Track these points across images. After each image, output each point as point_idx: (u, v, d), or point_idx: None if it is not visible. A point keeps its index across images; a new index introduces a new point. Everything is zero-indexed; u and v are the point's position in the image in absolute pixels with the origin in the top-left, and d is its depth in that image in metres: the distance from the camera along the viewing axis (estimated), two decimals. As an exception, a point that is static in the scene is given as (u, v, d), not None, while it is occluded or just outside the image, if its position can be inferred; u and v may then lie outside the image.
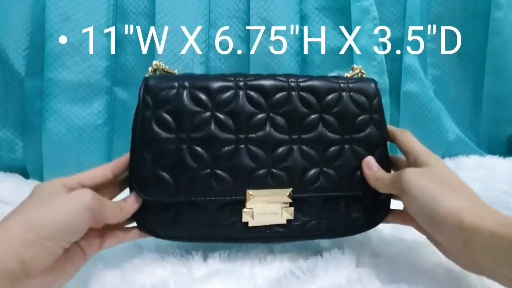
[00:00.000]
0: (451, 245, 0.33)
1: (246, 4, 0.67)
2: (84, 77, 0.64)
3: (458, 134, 0.71)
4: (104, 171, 0.38)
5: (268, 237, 0.40)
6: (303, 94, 0.42)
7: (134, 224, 0.40)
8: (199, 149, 0.39)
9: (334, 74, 0.45)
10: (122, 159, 0.40)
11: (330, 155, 0.42)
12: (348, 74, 0.46)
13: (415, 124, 0.69)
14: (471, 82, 0.73)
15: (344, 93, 0.42)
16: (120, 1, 0.67)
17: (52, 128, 0.63)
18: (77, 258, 0.34)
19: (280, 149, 0.40)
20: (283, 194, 0.40)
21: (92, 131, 0.64)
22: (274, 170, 0.40)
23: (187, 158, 0.39)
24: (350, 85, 0.43)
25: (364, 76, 0.46)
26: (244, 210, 0.39)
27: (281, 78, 0.42)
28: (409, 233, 0.42)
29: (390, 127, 0.44)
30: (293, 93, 0.41)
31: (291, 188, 0.40)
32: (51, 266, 0.30)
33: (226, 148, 0.39)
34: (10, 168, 0.66)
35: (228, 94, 0.40)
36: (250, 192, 0.39)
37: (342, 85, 0.43)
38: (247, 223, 0.40)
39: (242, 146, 0.40)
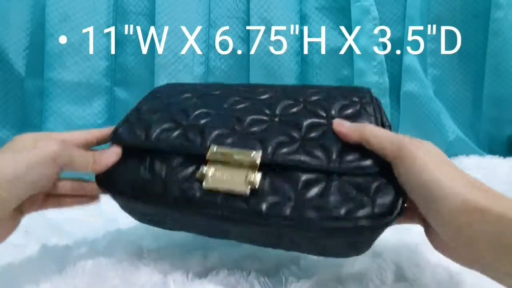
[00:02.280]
0: (446, 229, 0.28)
1: (246, 4, 0.68)
2: (84, 77, 0.64)
3: (458, 134, 0.71)
4: (90, 135, 0.39)
5: (226, 208, 0.33)
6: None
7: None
8: (198, 102, 0.40)
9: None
10: (108, 129, 0.40)
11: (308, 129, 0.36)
12: None
13: (415, 124, 0.69)
14: (471, 82, 0.73)
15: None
16: (120, 1, 0.67)
17: (52, 128, 0.63)
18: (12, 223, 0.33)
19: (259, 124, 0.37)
20: (249, 155, 0.34)
21: (92, 131, 0.65)
22: (246, 138, 0.36)
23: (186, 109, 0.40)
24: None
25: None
26: (203, 166, 0.34)
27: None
28: (409, 233, 0.42)
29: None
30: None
31: (261, 150, 0.34)
32: None
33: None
34: (10, 168, 0.66)
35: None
36: (213, 146, 0.35)
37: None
38: (202, 184, 0.34)
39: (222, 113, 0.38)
